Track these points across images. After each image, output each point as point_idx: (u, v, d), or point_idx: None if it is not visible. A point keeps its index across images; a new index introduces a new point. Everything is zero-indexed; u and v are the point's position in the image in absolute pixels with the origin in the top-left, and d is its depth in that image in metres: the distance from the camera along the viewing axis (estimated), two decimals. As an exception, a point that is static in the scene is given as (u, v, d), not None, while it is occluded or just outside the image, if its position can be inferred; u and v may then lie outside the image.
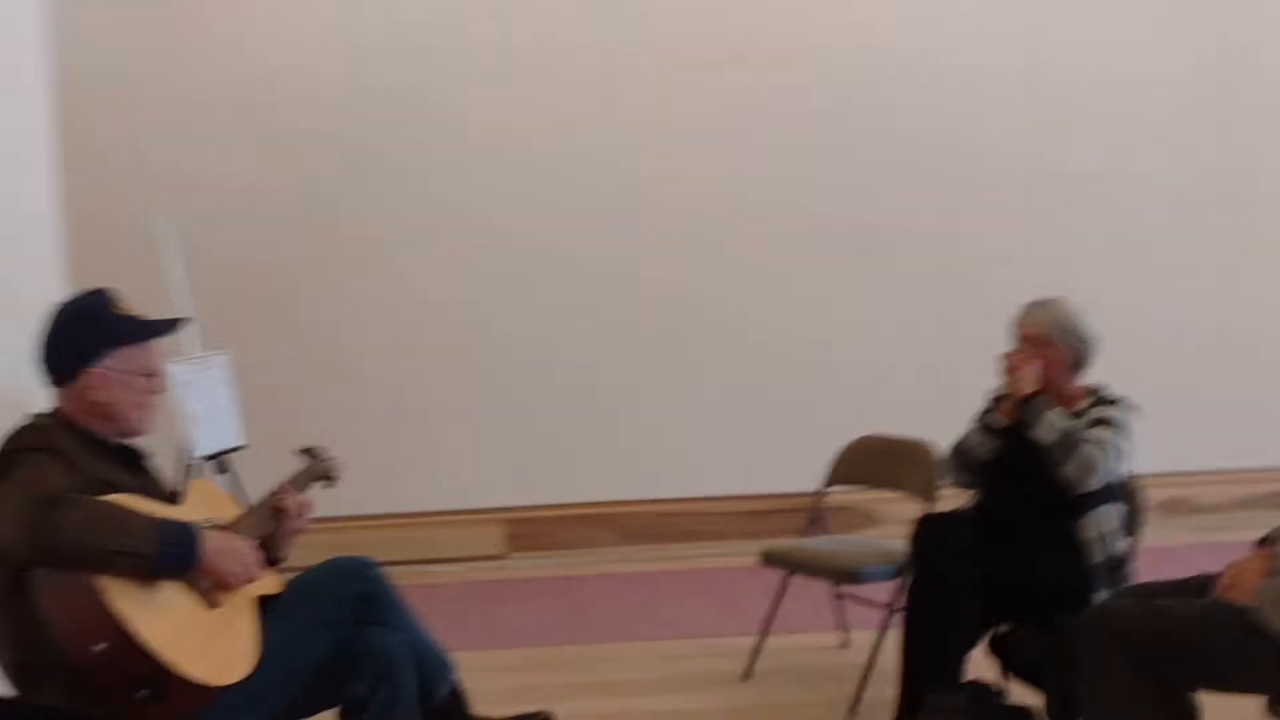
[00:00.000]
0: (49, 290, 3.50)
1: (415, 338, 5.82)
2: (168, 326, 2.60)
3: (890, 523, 5.85)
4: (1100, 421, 3.16)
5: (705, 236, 5.93)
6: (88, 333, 2.43)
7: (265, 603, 2.48)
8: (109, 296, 2.50)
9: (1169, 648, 2.54)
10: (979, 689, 3.19)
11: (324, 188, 5.74)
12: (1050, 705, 3.08)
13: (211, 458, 4.18)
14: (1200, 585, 2.75)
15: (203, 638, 2.23)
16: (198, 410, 4.09)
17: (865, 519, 5.89)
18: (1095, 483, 3.07)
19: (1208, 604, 2.61)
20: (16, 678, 2.28)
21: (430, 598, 5.02)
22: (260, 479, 3.26)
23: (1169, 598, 2.77)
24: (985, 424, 3.31)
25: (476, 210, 5.82)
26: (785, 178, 5.95)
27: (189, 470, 4.15)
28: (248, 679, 2.28)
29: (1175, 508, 6.14)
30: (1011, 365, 3.24)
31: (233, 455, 4.38)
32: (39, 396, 3.04)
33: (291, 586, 2.58)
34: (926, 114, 5.98)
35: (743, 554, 5.67)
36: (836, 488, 4.29)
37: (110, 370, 2.42)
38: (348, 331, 5.78)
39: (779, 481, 5.82)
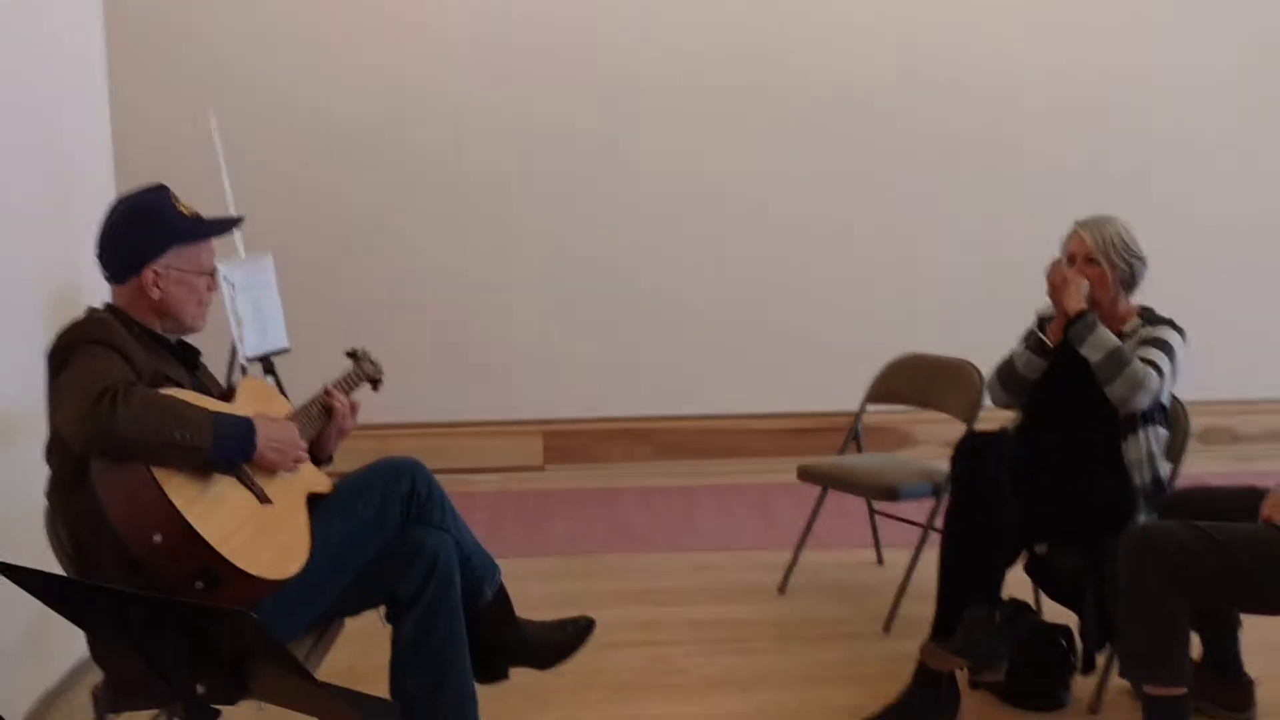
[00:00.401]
0: (98, 186, 3.52)
1: (460, 249, 5.83)
2: (228, 225, 2.61)
3: (926, 443, 5.88)
4: (1149, 341, 3.12)
5: (747, 158, 5.87)
6: (149, 230, 2.42)
7: (315, 502, 2.52)
8: (169, 193, 2.49)
9: (1211, 569, 2.55)
10: (1016, 607, 3.21)
11: (370, 94, 5.71)
12: (1087, 624, 3.11)
13: (257, 359, 4.22)
14: (1250, 497, 2.75)
15: (257, 533, 2.27)
16: (245, 311, 4.12)
17: (902, 439, 5.90)
18: (1144, 402, 3.04)
19: (1251, 527, 2.61)
20: (75, 565, 2.33)
21: (469, 506, 5.06)
22: (301, 382, 3.30)
23: (1218, 508, 2.77)
24: (1032, 343, 3.28)
25: (520, 120, 5.78)
26: (831, 102, 5.87)
27: (235, 371, 4.20)
28: (300, 574, 2.32)
29: (1216, 436, 6.11)
30: (1060, 283, 3.20)
31: (277, 358, 4.41)
32: (92, 289, 3.07)
33: (341, 486, 2.61)
34: (967, 31, 5.89)
35: (780, 471, 5.71)
36: (876, 407, 4.28)
37: (170, 268, 2.42)
38: (392, 241, 5.79)
39: (818, 400, 5.84)
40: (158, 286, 2.41)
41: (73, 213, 3.24)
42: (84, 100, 3.51)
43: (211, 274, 2.52)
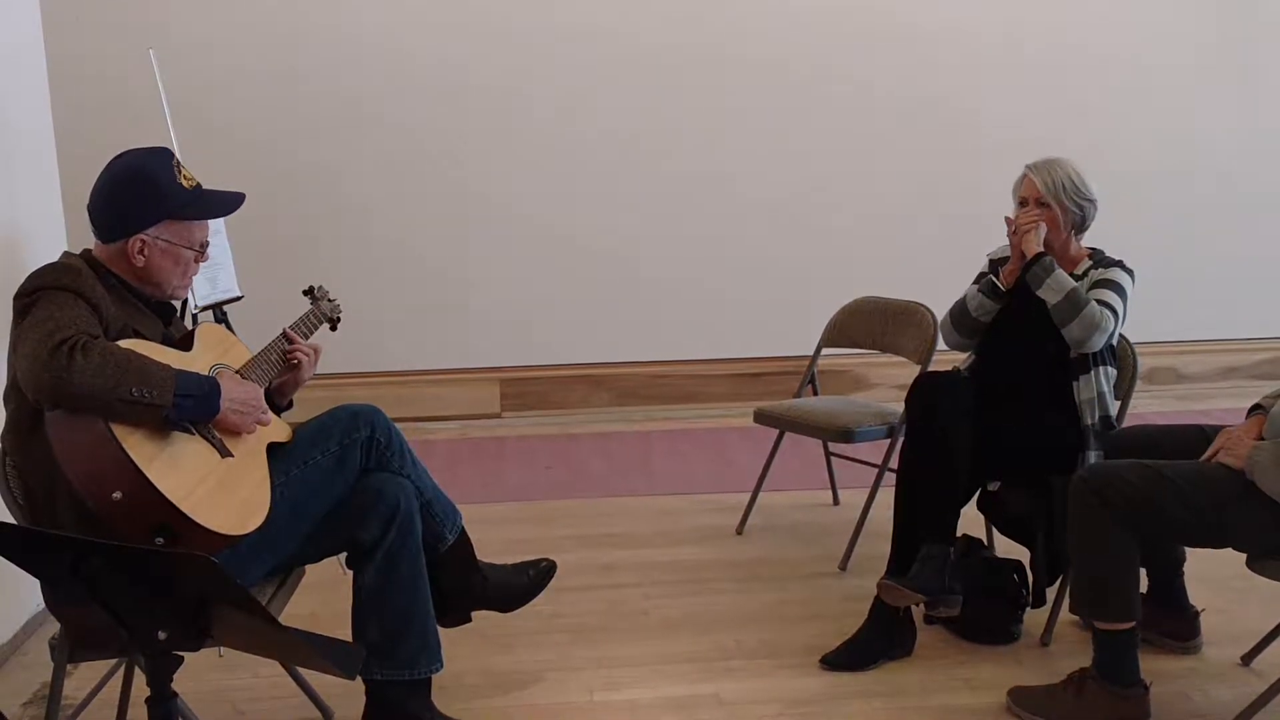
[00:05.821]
0: (36, 138, 3.43)
1: (416, 197, 5.76)
2: (229, 203, 2.48)
3: (881, 385, 5.94)
4: (1101, 283, 3.17)
5: (700, 102, 5.83)
6: (146, 199, 2.34)
7: (275, 450, 2.49)
8: (172, 161, 2.40)
9: (1159, 505, 2.59)
10: (969, 543, 3.27)
11: (320, 38, 5.60)
12: (1037, 559, 3.17)
13: (208, 308, 4.17)
14: (1194, 435, 2.81)
15: (218, 488, 2.24)
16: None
17: (856, 382, 5.96)
18: (1099, 343, 3.08)
19: (1199, 465, 2.66)
20: (27, 513, 2.29)
21: (427, 454, 5.07)
22: (257, 333, 3.25)
23: (1163, 447, 2.83)
24: (985, 286, 3.31)
25: (478, 71, 5.69)
26: (787, 47, 5.84)
27: (187, 320, 4.14)
28: (261, 526, 2.29)
29: (1161, 376, 6.23)
30: (1018, 227, 3.22)
31: (229, 307, 4.36)
32: (35, 246, 3.00)
33: (301, 434, 2.58)
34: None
35: (736, 415, 5.77)
36: (832, 350, 4.31)
37: (158, 239, 2.36)
38: (347, 189, 5.71)
39: (773, 345, 5.88)
40: (142, 254, 2.35)
41: (8, 167, 3.15)
42: (18, 45, 3.40)
43: (202, 248, 2.45)
